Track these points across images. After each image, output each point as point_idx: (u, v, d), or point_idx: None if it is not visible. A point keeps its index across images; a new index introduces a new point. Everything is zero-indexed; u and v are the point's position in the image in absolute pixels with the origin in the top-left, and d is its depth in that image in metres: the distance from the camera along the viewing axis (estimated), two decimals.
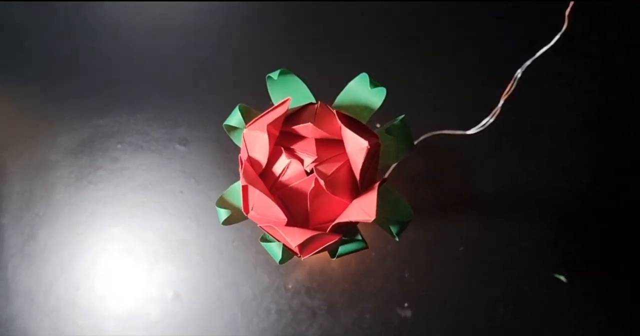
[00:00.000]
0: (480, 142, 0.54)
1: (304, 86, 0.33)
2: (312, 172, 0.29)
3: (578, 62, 0.57)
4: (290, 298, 0.52)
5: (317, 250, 0.30)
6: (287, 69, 0.33)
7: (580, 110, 0.56)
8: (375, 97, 0.31)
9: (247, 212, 0.31)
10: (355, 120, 0.30)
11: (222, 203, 0.32)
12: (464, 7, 0.58)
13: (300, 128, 0.29)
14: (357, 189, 0.30)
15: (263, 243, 0.32)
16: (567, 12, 0.41)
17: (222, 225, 0.51)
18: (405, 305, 0.52)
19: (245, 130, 0.30)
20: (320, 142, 0.30)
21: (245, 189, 0.30)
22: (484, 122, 0.47)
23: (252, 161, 0.30)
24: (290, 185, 0.29)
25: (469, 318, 0.52)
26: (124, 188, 0.55)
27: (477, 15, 0.58)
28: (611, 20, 0.58)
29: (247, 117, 0.32)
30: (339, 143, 0.30)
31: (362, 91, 0.32)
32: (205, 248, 0.53)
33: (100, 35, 0.59)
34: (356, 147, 0.28)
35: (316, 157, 0.29)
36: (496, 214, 0.54)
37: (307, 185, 0.28)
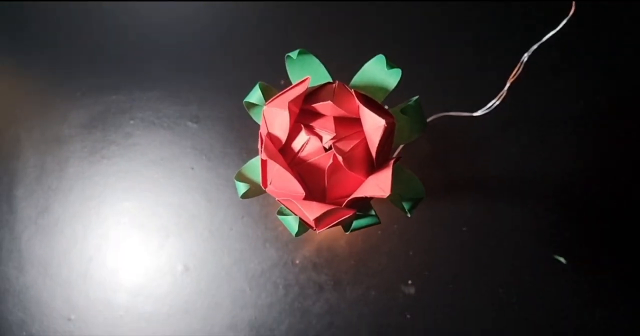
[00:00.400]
0: (487, 125, 0.55)
1: (322, 66, 0.34)
2: (330, 148, 0.30)
3: (586, 47, 0.58)
4: (298, 273, 0.54)
5: (332, 224, 0.32)
6: (305, 49, 0.34)
7: (587, 95, 0.57)
8: (390, 78, 0.32)
9: (266, 186, 0.32)
10: (371, 100, 0.31)
11: (241, 177, 0.34)
12: None
13: (319, 106, 0.30)
14: (373, 166, 0.31)
15: (280, 217, 0.33)
16: None
17: (231, 201, 0.53)
18: (409, 282, 0.53)
19: (265, 107, 0.31)
20: (338, 120, 0.31)
21: (264, 164, 0.31)
22: (490, 104, 0.48)
23: (272, 137, 0.31)
24: (309, 161, 0.30)
25: (471, 296, 0.53)
26: (136, 163, 0.56)
27: None
28: (619, 5, 0.59)
29: (267, 95, 0.33)
30: (356, 121, 0.31)
31: (378, 72, 0.33)
32: (214, 224, 0.54)
33: (114, 12, 0.59)
34: (373, 125, 0.29)
35: (335, 134, 0.30)
36: (500, 197, 0.55)
37: (325, 161, 0.30)
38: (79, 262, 0.54)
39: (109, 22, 0.59)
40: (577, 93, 0.57)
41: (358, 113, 0.31)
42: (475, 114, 0.49)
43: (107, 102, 0.57)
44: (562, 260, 0.54)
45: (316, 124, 0.31)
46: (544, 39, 0.44)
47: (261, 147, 0.30)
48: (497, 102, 0.48)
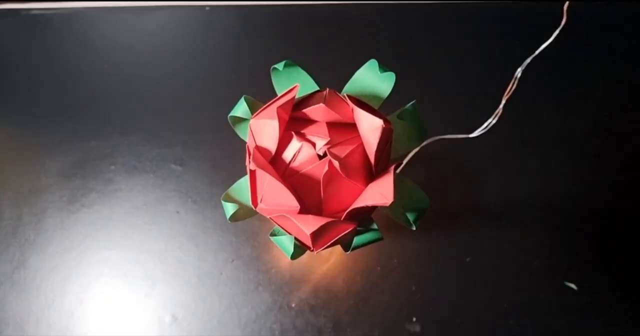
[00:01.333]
0: (484, 147, 0.53)
1: (309, 77, 0.32)
2: (324, 155, 0.28)
3: (580, 58, 0.57)
4: (295, 317, 0.50)
5: (331, 242, 0.29)
6: (292, 61, 0.32)
7: (587, 110, 0.55)
8: (384, 83, 0.30)
9: (256, 205, 0.29)
10: (366, 104, 0.29)
11: (228, 198, 0.31)
12: (459, 8, 0.59)
13: (311, 110, 0.28)
14: (372, 173, 0.28)
15: (273, 238, 0.30)
16: (565, 7, 0.41)
17: (220, 245, 0.50)
18: (414, 319, 0.50)
19: (252, 120, 0.29)
20: (332, 126, 0.28)
21: (253, 179, 0.29)
22: (486, 123, 0.46)
23: (260, 149, 0.28)
24: (302, 171, 0.28)
25: (479, 330, 0.50)
26: (118, 210, 0.53)
27: (473, 15, 0.58)
28: (611, 15, 0.58)
29: (253, 109, 0.31)
30: (351, 127, 0.29)
31: (371, 78, 0.31)
32: (203, 269, 0.51)
33: (89, 55, 0.58)
34: (370, 126, 0.27)
35: (329, 138, 0.28)
36: (503, 223, 0.53)
37: (320, 169, 0.27)
38: (58, 319, 0.50)
39: (84, 65, 0.57)
40: (576, 108, 0.55)
41: (352, 118, 0.29)
42: (471, 135, 0.47)
43: (85, 147, 0.55)
44: (573, 286, 0.51)
45: (308, 131, 0.28)
46: (537, 51, 0.43)
47: (249, 159, 0.28)
48: (494, 121, 0.46)
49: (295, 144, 0.28)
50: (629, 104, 0.56)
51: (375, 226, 0.30)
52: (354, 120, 0.29)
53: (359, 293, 0.51)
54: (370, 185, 0.28)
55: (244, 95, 0.31)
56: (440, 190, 0.53)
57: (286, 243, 0.30)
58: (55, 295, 0.51)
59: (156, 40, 0.59)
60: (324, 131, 0.28)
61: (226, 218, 0.31)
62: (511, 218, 0.53)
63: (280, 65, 0.31)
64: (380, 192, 0.27)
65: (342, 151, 0.27)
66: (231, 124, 0.32)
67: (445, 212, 0.53)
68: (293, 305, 0.50)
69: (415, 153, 0.47)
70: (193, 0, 0.60)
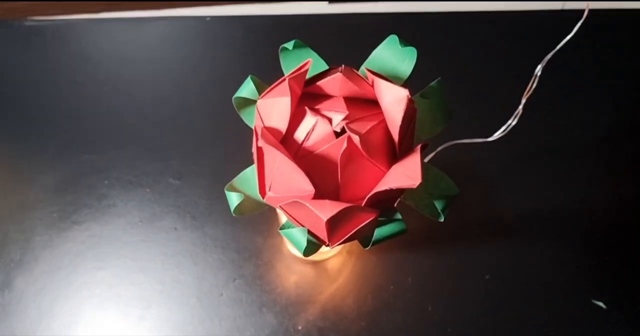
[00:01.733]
0: (503, 152, 0.50)
1: (321, 59, 0.29)
2: (342, 132, 0.24)
3: (603, 55, 0.55)
4: None
5: (349, 234, 0.26)
6: (302, 41, 0.29)
7: (610, 109, 0.53)
8: (405, 60, 0.28)
9: (264, 194, 0.26)
10: (386, 78, 0.26)
11: (232, 189, 0.28)
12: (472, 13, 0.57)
13: (327, 82, 0.25)
14: (395, 154, 0.25)
15: (283, 231, 0.27)
16: None
17: (221, 263, 0.46)
18: None
19: (259, 101, 0.26)
20: (350, 101, 0.25)
21: (261, 162, 0.25)
22: (506, 125, 0.43)
23: (269, 130, 0.25)
24: (317, 151, 0.25)
25: None
26: (111, 227, 0.50)
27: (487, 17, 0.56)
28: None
29: (260, 89, 0.28)
30: (371, 104, 0.26)
31: (390, 55, 0.28)
32: (202, 290, 0.47)
33: (82, 66, 0.55)
34: (394, 98, 0.24)
35: (347, 113, 0.25)
36: (523, 238, 0.49)
37: (338, 148, 0.24)
38: None
39: (78, 77, 0.55)
40: (600, 109, 0.52)
41: (372, 95, 0.26)
42: (490, 139, 0.44)
43: (78, 162, 0.52)
44: (601, 304, 0.47)
45: (323, 107, 0.25)
46: (559, 46, 0.40)
47: (256, 141, 0.25)
48: (514, 123, 0.43)
49: (309, 121, 0.25)
50: None
51: (399, 216, 0.27)
52: (374, 97, 0.26)
53: (371, 314, 0.47)
54: (394, 166, 0.25)
55: (250, 76, 0.28)
56: (455, 203, 0.50)
57: (298, 237, 0.27)
58: (42, 319, 0.47)
59: (154, 51, 0.56)
60: (341, 105, 0.25)
61: (230, 210, 0.28)
62: (532, 233, 0.49)
63: (289, 45, 0.29)
64: (405, 173, 0.24)
65: (363, 127, 0.24)
66: (236, 108, 0.29)
67: (460, 227, 0.50)
68: (300, 328, 0.47)
69: (430, 159, 0.45)
70: (198, 4, 0.58)
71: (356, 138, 0.23)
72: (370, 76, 0.25)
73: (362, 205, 0.25)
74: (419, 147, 0.25)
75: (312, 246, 0.27)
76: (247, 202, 0.28)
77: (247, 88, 0.28)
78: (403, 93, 0.24)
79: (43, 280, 0.48)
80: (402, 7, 0.60)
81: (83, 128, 0.53)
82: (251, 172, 0.28)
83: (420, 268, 0.48)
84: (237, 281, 0.48)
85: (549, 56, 0.41)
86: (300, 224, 0.26)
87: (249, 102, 0.28)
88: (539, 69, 0.42)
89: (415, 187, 0.23)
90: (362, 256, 0.49)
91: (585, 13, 0.40)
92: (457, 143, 0.44)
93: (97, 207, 0.50)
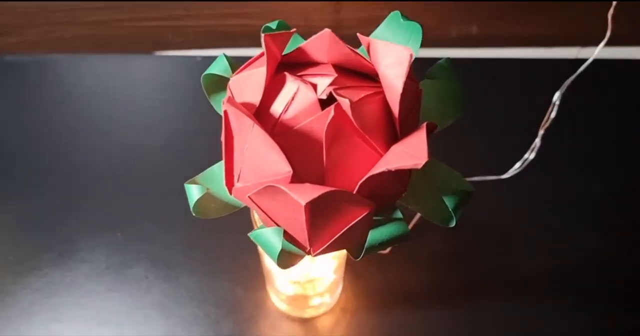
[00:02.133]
0: (516, 193, 0.45)
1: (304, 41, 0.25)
2: (330, 103, 0.20)
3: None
4: None
5: (337, 235, 0.20)
6: (285, 22, 0.25)
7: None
8: (410, 40, 0.23)
9: (231, 185, 0.21)
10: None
11: (194, 183, 0.23)
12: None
13: (312, 44, 0.21)
14: (396, 135, 0.20)
15: (253, 234, 0.21)
16: (609, 14, 0.34)
17: (196, 318, 0.40)
18: None
19: (232, 78, 0.22)
20: (341, 70, 0.21)
21: (229, 144, 0.21)
22: (522, 160, 0.39)
23: (242, 104, 0.21)
24: (298, 126, 0.20)
25: None
26: (74, 273, 0.44)
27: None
28: None
29: (234, 68, 0.23)
30: (366, 78, 0.21)
31: (393, 35, 0.23)
32: None
33: (59, 102, 0.51)
34: (395, 59, 0.19)
35: (336, 76, 0.20)
36: (538, 296, 0.43)
37: (323, 121, 0.19)
38: None
39: (55, 113, 0.51)
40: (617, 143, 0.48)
41: (368, 68, 0.21)
42: (504, 177, 0.39)
43: (43, 200, 0.47)
44: None
45: (308, 72, 0.21)
46: (580, 69, 0.36)
47: (225, 122, 0.20)
48: (532, 157, 0.38)
49: (289, 88, 0.20)
50: None
51: (399, 214, 0.21)
52: (370, 71, 0.21)
53: None
54: (394, 146, 0.20)
55: (222, 53, 0.24)
56: (462, 258, 0.45)
57: (271, 239, 0.21)
58: None
59: (137, 89, 0.53)
60: (329, 70, 0.20)
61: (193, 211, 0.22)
62: (547, 291, 0.43)
63: (273, 24, 0.24)
64: (408, 152, 0.19)
65: (355, 95, 0.19)
66: (204, 90, 0.24)
67: (467, 286, 0.44)
68: None
69: None
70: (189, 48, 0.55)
71: (346, 104, 0.18)
72: (365, 39, 0.20)
73: (354, 193, 0.19)
74: (424, 124, 0.20)
75: (288, 253, 0.21)
76: (211, 200, 0.22)
77: (219, 65, 0.23)
78: (405, 52, 0.19)
79: None
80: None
81: (52, 165, 0.48)
82: (219, 168, 0.23)
83: (422, 329, 0.42)
84: None
85: (569, 81, 0.37)
86: (275, 223, 0.21)
87: (221, 84, 0.24)
88: (557, 97, 0.37)
89: (420, 167, 0.18)
90: (357, 315, 0.42)
91: (609, 30, 0.36)
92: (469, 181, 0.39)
93: (60, 250, 0.44)
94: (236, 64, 0.24)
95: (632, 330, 0.42)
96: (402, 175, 0.21)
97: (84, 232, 0.45)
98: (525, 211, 0.47)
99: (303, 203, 0.18)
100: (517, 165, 0.39)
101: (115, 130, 0.51)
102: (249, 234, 0.21)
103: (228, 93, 0.22)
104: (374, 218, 0.21)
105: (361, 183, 0.19)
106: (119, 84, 0.54)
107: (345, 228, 0.20)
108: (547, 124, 0.37)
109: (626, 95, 0.54)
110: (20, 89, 0.54)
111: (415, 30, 0.23)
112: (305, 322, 0.42)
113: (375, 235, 0.21)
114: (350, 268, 0.44)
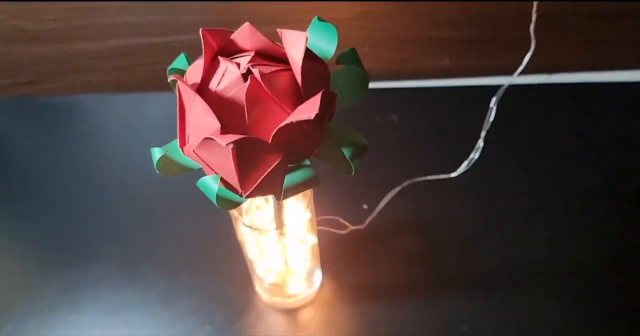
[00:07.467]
0: (467, 190, 0.51)
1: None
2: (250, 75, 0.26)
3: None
4: None
5: (261, 178, 0.27)
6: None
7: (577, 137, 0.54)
8: (327, 41, 0.30)
9: (183, 145, 0.28)
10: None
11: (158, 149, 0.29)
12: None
13: (237, 34, 0.28)
14: (301, 99, 0.27)
15: (199, 183, 0.28)
16: (531, 28, 0.41)
17: (193, 309, 0.46)
18: None
19: (187, 69, 0.29)
20: (262, 56, 0.28)
21: (181, 112, 0.27)
22: (467, 160, 0.44)
23: (188, 81, 0.28)
24: (227, 95, 0.26)
25: None
26: (89, 273, 0.50)
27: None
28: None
29: (191, 62, 0.30)
30: (283, 60, 0.28)
31: (313, 37, 0.30)
32: (172, 335, 0.47)
33: (82, 134, 0.60)
34: (294, 40, 0.26)
35: (253, 55, 0.27)
36: (498, 288, 0.48)
37: (244, 90, 0.26)
38: None
39: (80, 149, 0.59)
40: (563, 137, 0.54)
41: (284, 54, 0.28)
42: (453, 175, 0.45)
43: (65, 215, 0.54)
44: None
45: (236, 56, 0.28)
46: (511, 78, 0.42)
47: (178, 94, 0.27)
48: (476, 156, 0.44)
49: (221, 67, 0.27)
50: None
51: (307, 162, 0.28)
52: (284, 56, 0.28)
53: None
54: (298, 107, 0.26)
55: (182, 53, 0.31)
56: (429, 256, 0.50)
57: (210, 185, 0.27)
58: None
59: (155, 123, 0.61)
60: (252, 55, 0.27)
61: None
62: (507, 282, 0.48)
63: None
64: (304, 109, 0.25)
65: (268, 69, 0.26)
66: (170, 83, 0.31)
67: (435, 280, 0.49)
68: None
69: (396, 199, 0.45)
70: None
71: (257, 75, 0.25)
72: (279, 31, 0.27)
73: (269, 142, 0.26)
74: (321, 91, 0.26)
75: (224, 194, 0.27)
76: (171, 162, 0.29)
77: (180, 61, 0.30)
78: (302, 34, 0.26)
79: (18, 321, 0.48)
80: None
81: (75, 187, 0.56)
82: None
83: (394, 319, 0.47)
84: (207, 328, 0.47)
85: (503, 88, 0.43)
86: (214, 172, 0.27)
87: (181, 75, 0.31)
88: (493, 101, 0.43)
89: (311, 118, 0.25)
90: (334, 306, 0.48)
91: (533, 44, 0.42)
92: (421, 181, 0.45)
93: (78, 254, 0.51)
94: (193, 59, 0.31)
95: (584, 322, 0.46)
96: (310, 132, 0.27)
97: (98, 239, 0.52)
98: (478, 207, 0.52)
99: (224, 144, 0.24)
100: (464, 164, 0.44)
101: (130, 157, 0.58)
102: (197, 183, 0.28)
103: (184, 78, 0.29)
104: (290, 165, 0.27)
105: (274, 134, 0.26)
106: (137, 119, 0.62)
107: (266, 173, 0.26)
108: (488, 127, 0.43)
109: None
110: (53, 125, 0.62)
111: (329, 30, 0.30)
112: (288, 313, 0.48)
113: (290, 179, 0.27)
114: (329, 265, 0.49)
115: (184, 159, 0.29)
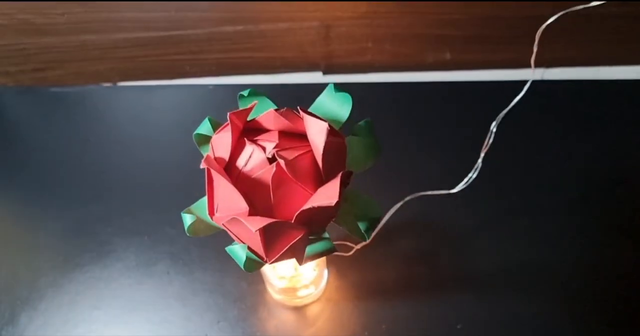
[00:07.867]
0: (467, 204, 0.54)
1: (272, 103, 0.34)
2: (274, 159, 0.29)
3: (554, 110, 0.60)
4: None
5: (283, 251, 0.29)
6: (256, 90, 0.34)
7: (571, 161, 0.57)
8: (343, 105, 0.32)
9: (212, 214, 0.30)
10: (319, 117, 0.30)
11: (189, 212, 0.32)
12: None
13: (263, 117, 0.30)
14: (322, 180, 0.29)
15: (228, 249, 0.31)
16: (532, 59, 0.43)
17: (208, 306, 0.50)
18: None
19: (213, 136, 0.31)
20: (284, 135, 0.30)
21: (210, 187, 0.30)
22: (467, 178, 0.47)
23: (217, 159, 0.30)
24: (254, 176, 0.29)
25: None
26: (109, 270, 0.54)
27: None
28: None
29: (215, 128, 0.33)
30: (303, 137, 0.30)
31: (330, 102, 0.33)
32: (188, 329, 0.51)
33: (96, 127, 0.61)
34: (317, 129, 0.28)
35: (277, 142, 0.29)
36: (493, 288, 0.52)
37: (270, 173, 0.28)
38: None
39: (92, 137, 0.61)
40: (559, 161, 0.56)
41: (304, 130, 0.30)
42: (453, 191, 0.48)
43: (85, 211, 0.57)
44: None
45: (261, 138, 0.30)
46: (510, 105, 0.45)
47: (207, 170, 0.29)
48: (474, 176, 0.47)
49: (247, 150, 0.29)
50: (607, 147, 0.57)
51: (326, 235, 0.31)
52: (304, 132, 0.30)
53: None
54: (319, 189, 0.29)
55: (208, 117, 0.33)
56: (427, 255, 0.53)
57: (239, 253, 0.30)
58: None
59: (162, 114, 0.63)
60: (275, 137, 0.29)
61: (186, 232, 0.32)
62: (502, 283, 0.52)
63: (245, 92, 0.34)
64: (325, 194, 0.28)
65: (291, 154, 0.29)
66: (196, 144, 0.33)
67: (432, 279, 0.52)
68: None
69: (399, 211, 0.48)
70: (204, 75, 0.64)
71: (282, 163, 0.28)
72: (302, 113, 0.29)
73: (292, 222, 0.29)
74: (340, 173, 0.29)
75: (251, 261, 0.30)
76: (200, 224, 0.32)
77: (204, 127, 0.32)
78: (323, 125, 0.28)
79: (45, 316, 0.52)
80: (387, 78, 0.66)
81: (92, 182, 0.59)
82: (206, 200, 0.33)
83: (394, 316, 0.51)
84: (222, 324, 0.51)
85: (502, 114, 0.45)
86: (242, 241, 0.30)
87: (206, 140, 0.33)
88: (493, 126, 0.46)
89: (332, 205, 0.27)
90: (339, 303, 0.52)
91: (532, 72, 0.44)
92: (423, 195, 0.48)
93: (99, 251, 0.55)
94: (218, 123, 0.33)
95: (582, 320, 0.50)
96: (328, 208, 0.30)
97: (118, 236, 0.55)
98: (476, 218, 0.55)
99: (254, 229, 0.27)
100: (464, 181, 0.47)
101: (139, 149, 0.61)
102: (226, 248, 0.31)
103: (210, 148, 0.31)
104: (310, 237, 0.30)
105: (296, 215, 0.28)
106: (144, 109, 0.64)
107: (288, 246, 0.29)
108: (487, 149, 0.46)
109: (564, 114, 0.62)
110: (62, 115, 0.64)
111: (345, 99, 0.32)
112: (296, 310, 0.52)
113: (310, 249, 0.30)
114: (334, 265, 0.53)
115: (213, 222, 0.32)
